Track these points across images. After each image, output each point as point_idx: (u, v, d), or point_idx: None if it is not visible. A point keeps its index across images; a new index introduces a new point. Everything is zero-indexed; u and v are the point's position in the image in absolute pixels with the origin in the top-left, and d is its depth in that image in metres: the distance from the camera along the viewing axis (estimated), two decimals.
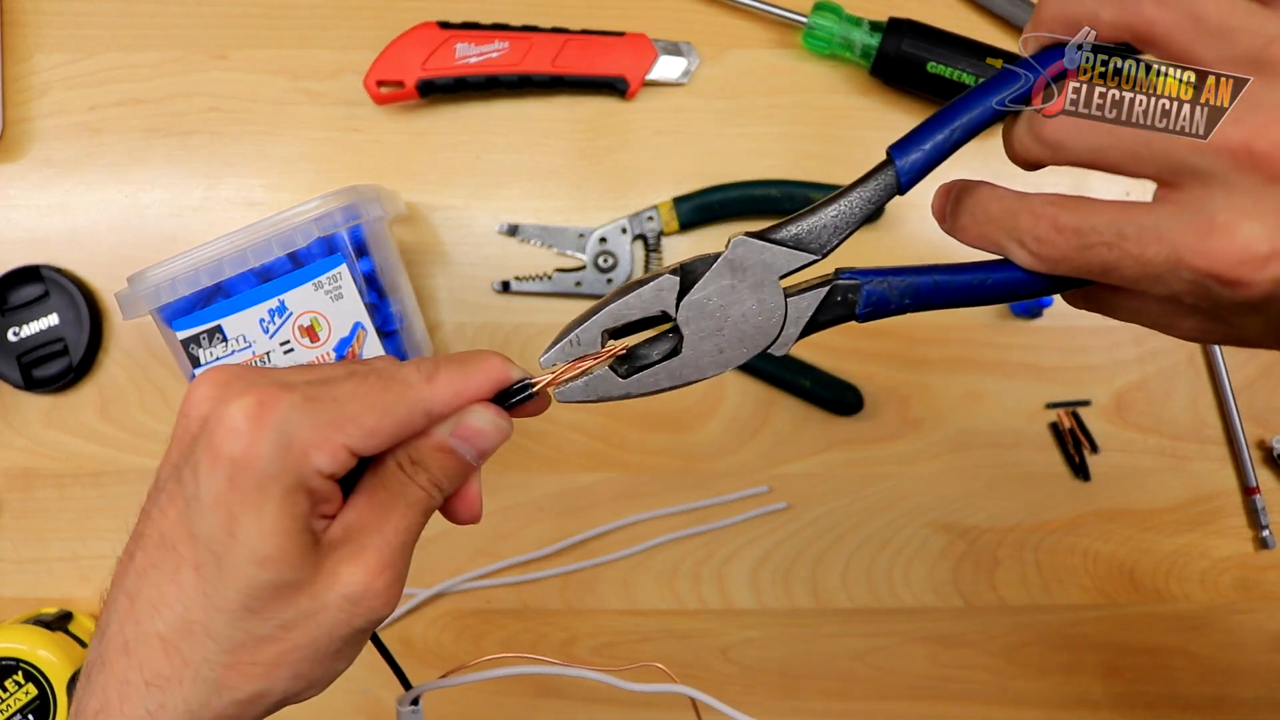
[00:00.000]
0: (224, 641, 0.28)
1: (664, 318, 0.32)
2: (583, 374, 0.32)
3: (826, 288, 0.32)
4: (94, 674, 0.29)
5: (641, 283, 0.32)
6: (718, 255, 0.32)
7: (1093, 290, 0.30)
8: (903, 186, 0.31)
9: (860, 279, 0.31)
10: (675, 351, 0.32)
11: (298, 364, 0.31)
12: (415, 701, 0.40)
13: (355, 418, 0.28)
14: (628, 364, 0.32)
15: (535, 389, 0.32)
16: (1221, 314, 0.28)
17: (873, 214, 0.31)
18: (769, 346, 0.32)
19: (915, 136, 0.31)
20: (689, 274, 0.32)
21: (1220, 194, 0.25)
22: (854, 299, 0.32)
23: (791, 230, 0.31)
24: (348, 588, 0.29)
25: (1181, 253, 0.25)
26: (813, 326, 0.32)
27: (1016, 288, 0.30)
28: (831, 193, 0.32)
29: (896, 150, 0.31)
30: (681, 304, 0.32)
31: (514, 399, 0.32)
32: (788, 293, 0.32)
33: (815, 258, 0.32)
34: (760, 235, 0.32)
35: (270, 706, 0.29)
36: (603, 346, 0.32)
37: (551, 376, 0.33)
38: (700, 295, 0.32)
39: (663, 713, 0.59)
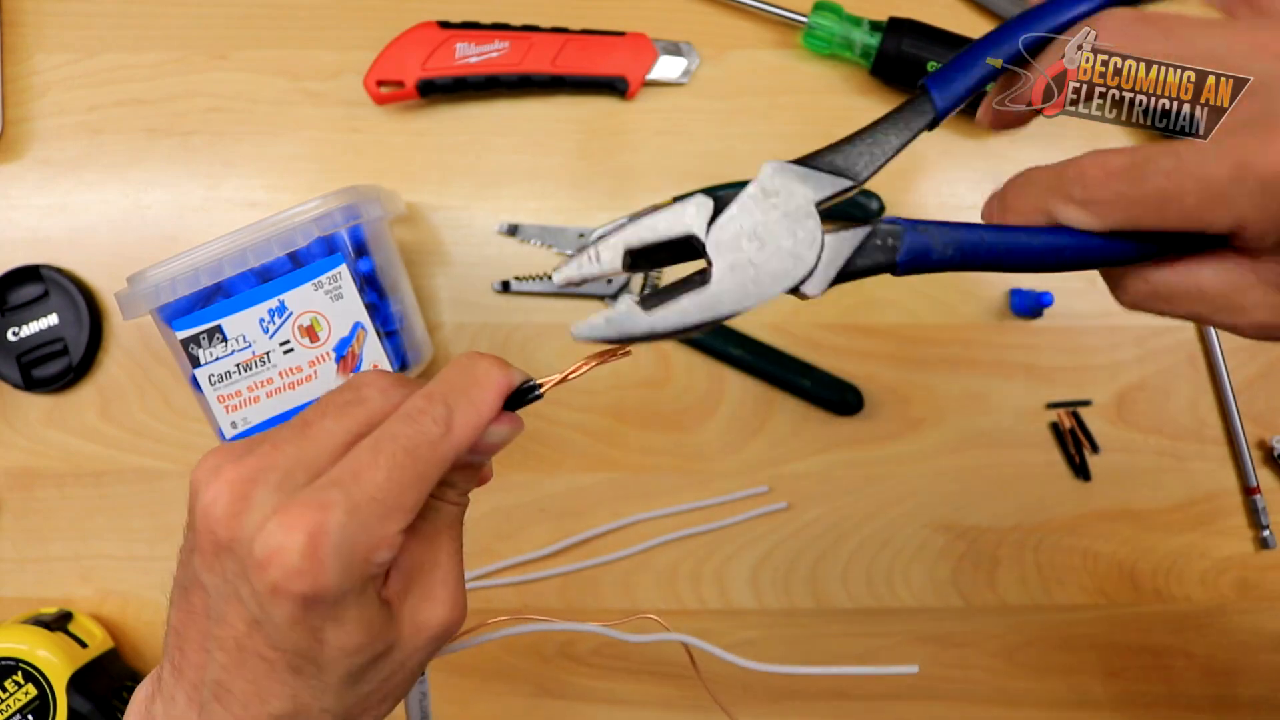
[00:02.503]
0: (338, 709, 0.30)
1: (691, 242, 0.30)
2: (603, 325, 0.30)
3: (868, 229, 0.30)
4: None
5: (673, 199, 0.30)
6: (748, 182, 0.30)
7: (1146, 273, 0.28)
8: (939, 113, 0.30)
9: (903, 225, 0.30)
10: (703, 284, 0.30)
11: (302, 434, 0.29)
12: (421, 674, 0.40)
13: (398, 504, 0.28)
14: (654, 301, 0.30)
15: (543, 391, 0.32)
16: None
17: (907, 143, 0.31)
18: (801, 283, 0.30)
19: (950, 68, 0.30)
20: (719, 201, 0.30)
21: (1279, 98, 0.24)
22: (895, 245, 0.30)
23: (827, 157, 0.30)
24: (433, 629, 0.31)
25: (1247, 158, 0.24)
26: (848, 272, 0.30)
27: (1065, 252, 0.29)
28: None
29: (932, 81, 0.30)
30: (712, 228, 0.30)
31: (524, 401, 0.32)
32: (826, 230, 0.30)
33: (851, 184, 0.30)
34: (796, 161, 0.30)
35: None
36: (623, 266, 0.30)
37: (560, 376, 0.33)
38: (732, 222, 0.30)
39: (664, 712, 0.59)
